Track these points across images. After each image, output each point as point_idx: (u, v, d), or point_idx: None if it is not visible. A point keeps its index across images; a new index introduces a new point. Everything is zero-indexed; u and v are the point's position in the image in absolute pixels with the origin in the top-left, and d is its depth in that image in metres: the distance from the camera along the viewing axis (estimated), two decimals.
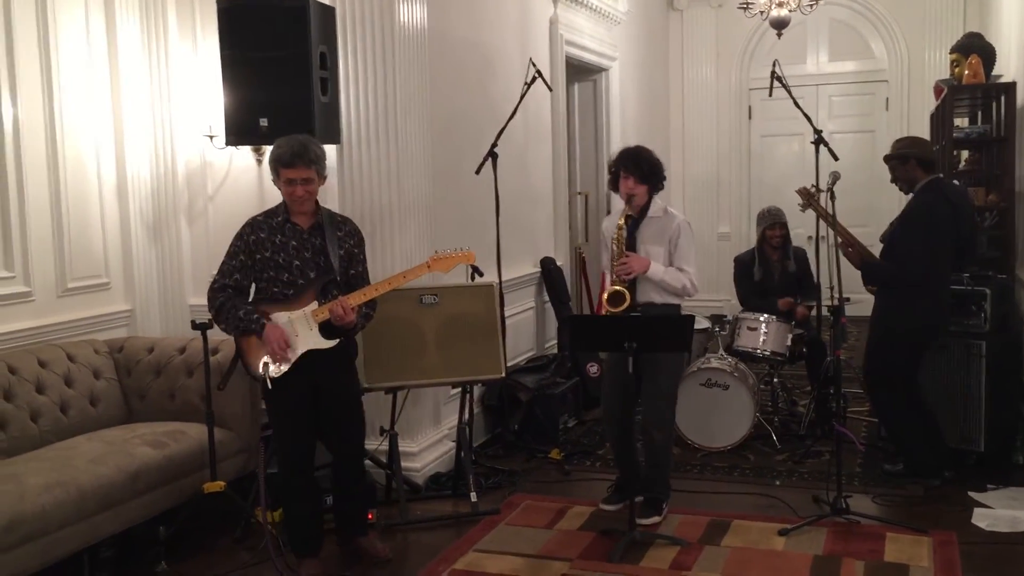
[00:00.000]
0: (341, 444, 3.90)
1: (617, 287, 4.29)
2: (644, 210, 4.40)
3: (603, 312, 4.38)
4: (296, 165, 3.61)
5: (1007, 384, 4.96)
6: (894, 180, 4.79)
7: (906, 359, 4.71)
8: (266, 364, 3.62)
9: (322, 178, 3.74)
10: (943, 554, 3.91)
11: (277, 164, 3.63)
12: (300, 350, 3.66)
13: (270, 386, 3.62)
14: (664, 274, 4.31)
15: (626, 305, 4.27)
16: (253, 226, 3.76)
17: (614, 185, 4.45)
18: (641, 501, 4.39)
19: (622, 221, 4.35)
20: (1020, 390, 5.05)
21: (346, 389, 3.87)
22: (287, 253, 3.71)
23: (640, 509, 4.36)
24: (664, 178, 4.46)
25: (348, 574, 3.90)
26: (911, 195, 4.69)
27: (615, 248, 4.35)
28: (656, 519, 4.39)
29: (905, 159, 4.68)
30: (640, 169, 4.34)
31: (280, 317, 3.67)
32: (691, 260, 4.38)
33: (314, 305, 3.68)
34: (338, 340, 3.70)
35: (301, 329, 3.67)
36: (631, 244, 4.37)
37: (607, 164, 4.61)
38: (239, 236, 3.77)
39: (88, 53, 4.79)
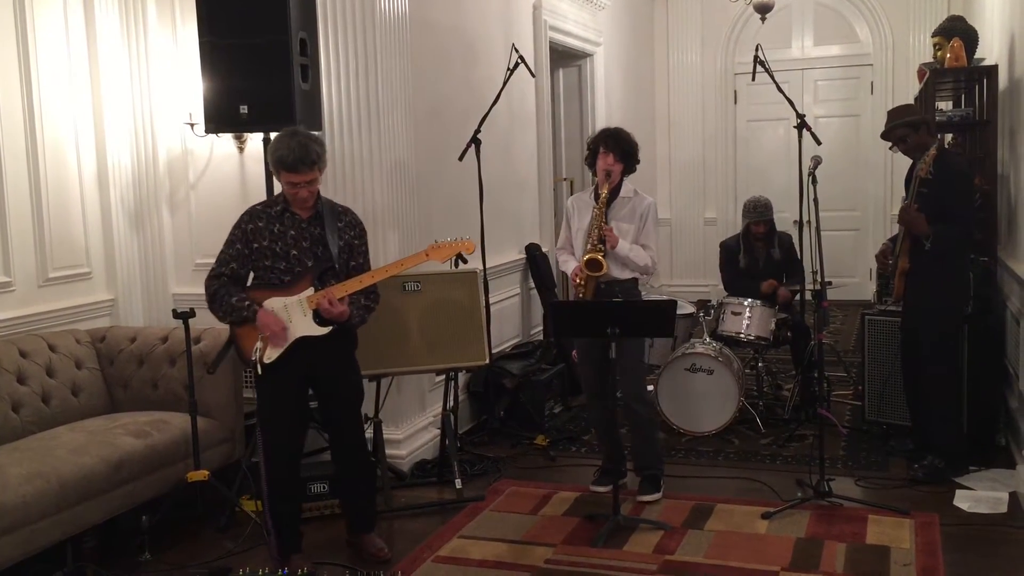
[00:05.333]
0: (342, 436, 3.90)
1: (594, 255, 4.37)
2: (616, 191, 4.49)
3: (577, 281, 4.46)
4: (300, 170, 3.58)
5: (990, 366, 4.98)
6: (905, 150, 4.64)
7: (960, 339, 4.68)
8: (259, 349, 3.61)
9: (322, 170, 3.72)
10: (925, 536, 3.94)
11: (280, 166, 3.61)
12: (294, 336, 3.65)
13: (260, 371, 3.61)
14: (630, 251, 4.43)
15: (603, 271, 4.37)
16: (252, 215, 3.76)
17: (591, 161, 4.54)
18: (639, 480, 4.54)
19: (604, 197, 4.41)
20: (1002, 372, 5.08)
21: (346, 379, 3.86)
22: (284, 242, 3.70)
23: (640, 487, 4.51)
24: (638, 161, 4.57)
25: (334, 563, 3.89)
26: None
27: (596, 217, 4.42)
28: (657, 495, 4.46)
29: (917, 126, 4.58)
30: (620, 147, 4.45)
31: (275, 303, 3.66)
32: (654, 241, 4.54)
33: (309, 291, 3.66)
34: (332, 327, 3.68)
35: (295, 315, 3.65)
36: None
37: (586, 142, 4.67)
38: (237, 225, 3.76)
39: (67, 41, 4.75)
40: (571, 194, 8.07)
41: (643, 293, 4.87)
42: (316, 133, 3.90)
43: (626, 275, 4.49)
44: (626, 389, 4.51)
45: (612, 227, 4.40)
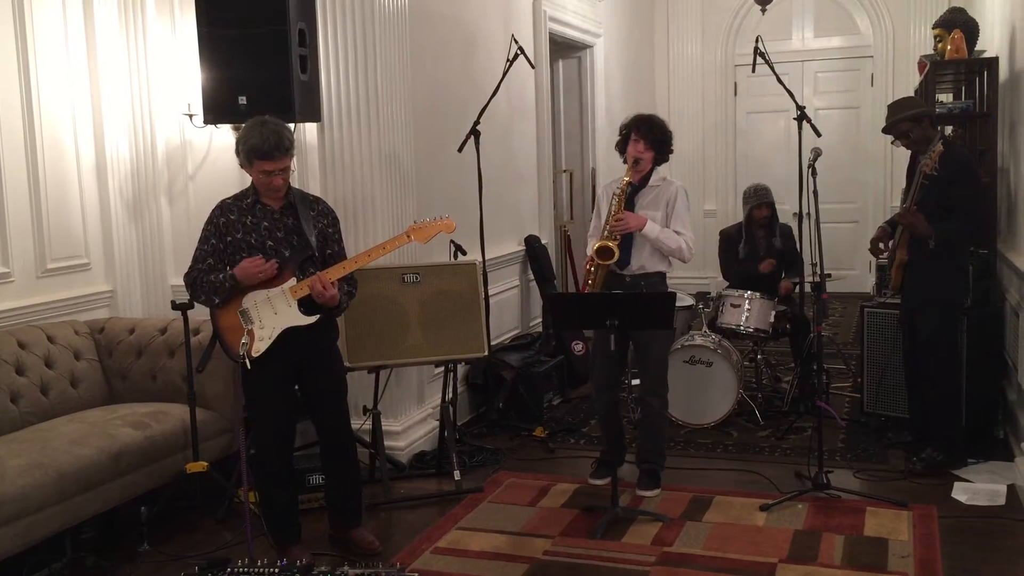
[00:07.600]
0: (328, 425, 3.87)
1: (607, 242, 4.30)
2: (645, 179, 4.43)
3: (589, 268, 4.39)
4: (275, 157, 3.55)
5: (988, 359, 4.99)
6: (908, 144, 4.60)
7: (959, 332, 4.65)
8: (245, 344, 3.58)
9: (292, 157, 3.67)
10: (923, 528, 3.94)
11: (253, 155, 3.55)
12: (280, 328, 3.62)
13: (249, 366, 3.58)
14: (660, 232, 4.33)
15: (614, 259, 4.30)
16: (223, 209, 3.71)
17: (622, 146, 4.45)
18: (639, 473, 4.52)
19: (626, 181, 4.35)
20: (1001, 365, 5.08)
21: (330, 368, 3.83)
22: (259, 234, 3.66)
23: (640, 481, 4.49)
24: (671, 151, 4.48)
25: (332, 553, 3.90)
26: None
27: (614, 205, 4.34)
28: (657, 491, 4.44)
29: (920, 119, 4.52)
30: (652, 134, 4.37)
31: (257, 295, 3.62)
32: (687, 224, 4.43)
33: (292, 282, 3.62)
34: (318, 316, 3.66)
35: (280, 307, 3.62)
36: (629, 208, 4.39)
37: (619, 127, 4.56)
38: (209, 220, 3.72)
39: (65, 31, 4.73)
40: (571, 186, 8.10)
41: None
42: (289, 124, 3.83)
43: (655, 267, 4.41)
44: (646, 382, 4.48)
45: (632, 212, 4.30)
